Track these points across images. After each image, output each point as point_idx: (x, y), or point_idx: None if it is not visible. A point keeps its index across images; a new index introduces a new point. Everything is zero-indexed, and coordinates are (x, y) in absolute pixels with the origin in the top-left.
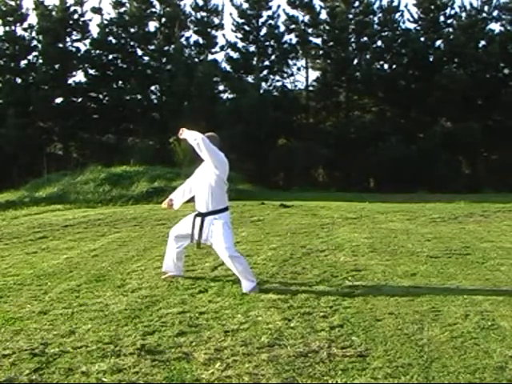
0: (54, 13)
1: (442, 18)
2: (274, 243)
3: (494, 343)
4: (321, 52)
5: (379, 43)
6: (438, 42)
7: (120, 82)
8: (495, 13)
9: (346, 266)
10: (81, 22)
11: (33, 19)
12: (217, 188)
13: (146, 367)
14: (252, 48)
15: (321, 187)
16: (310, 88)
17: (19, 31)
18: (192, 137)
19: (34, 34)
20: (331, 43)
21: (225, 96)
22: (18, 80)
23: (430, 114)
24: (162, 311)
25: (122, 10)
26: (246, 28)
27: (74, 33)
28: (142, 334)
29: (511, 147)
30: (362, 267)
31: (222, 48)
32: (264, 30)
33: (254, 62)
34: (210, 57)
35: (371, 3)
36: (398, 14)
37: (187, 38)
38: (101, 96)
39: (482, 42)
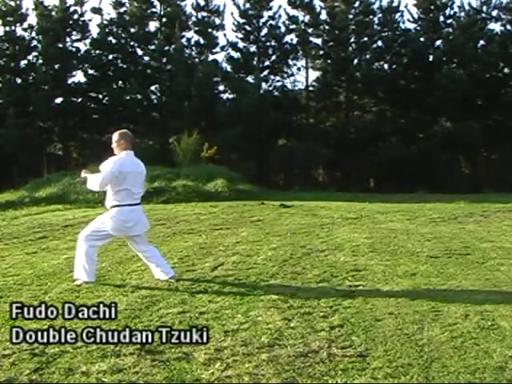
0: (53, 13)
1: (441, 18)
2: (274, 243)
3: (493, 343)
4: (321, 52)
5: (379, 43)
6: (438, 42)
7: (120, 82)
8: (494, 12)
9: (346, 266)
10: (81, 22)
11: (33, 19)
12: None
13: (145, 367)
14: (252, 48)
15: (321, 187)
16: (310, 88)
17: (19, 31)
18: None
19: (33, 34)
20: (331, 43)
21: (225, 96)
22: (18, 80)
23: (430, 114)
24: (161, 311)
25: (122, 10)
26: (247, 28)
27: (74, 33)
28: None
29: (511, 147)
30: (362, 267)
31: (222, 48)
32: (265, 30)
33: (255, 62)
34: (211, 57)
35: (371, 3)
36: (398, 14)
37: (188, 39)
38: (101, 96)
39: (482, 42)
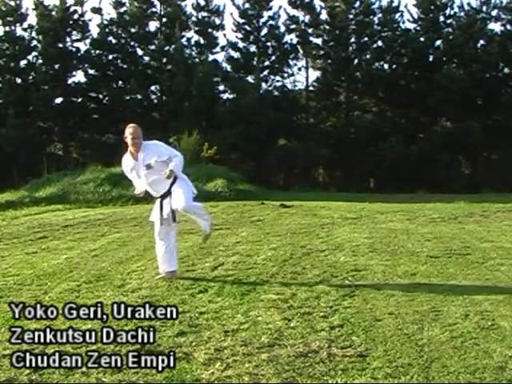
0: (53, 13)
1: (441, 18)
2: (274, 243)
3: (493, 343)
4: (321, 52)
5: (379, 43)
6: (438, 42)
7: (120, 82)
8: (494, 12)
9: (346, 266)
10: (81, 22)
11: (33, 19)
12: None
13: (145, 367)
14: (252, 48)
15: (321, 187)
16: (310, 88)
17: (19, 31)
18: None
19: (33, 34)
20: (331, 43)
21: (225, 96)
22: (18, 80)
23: (430, 114)
24: None
25: (122, 10)
26: (247, 28)
27: (74, 33)
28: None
29: (511, 147)
30: (362, 267)
31: (222, 48)
32: (264, 30)
33: (255, 62)
34: (211, 57)
35: (371, 3)
36: (398, 14)
37: (188, 39)
38: (101, 96)
39: (482, 42)
